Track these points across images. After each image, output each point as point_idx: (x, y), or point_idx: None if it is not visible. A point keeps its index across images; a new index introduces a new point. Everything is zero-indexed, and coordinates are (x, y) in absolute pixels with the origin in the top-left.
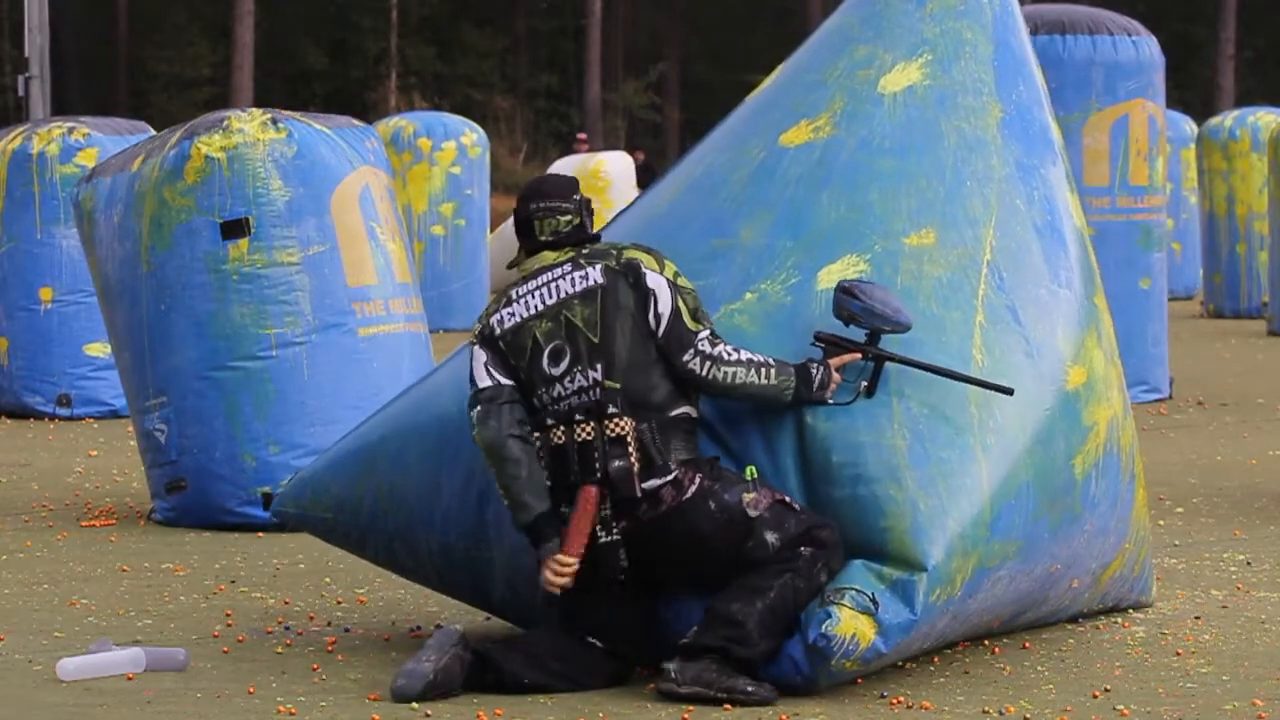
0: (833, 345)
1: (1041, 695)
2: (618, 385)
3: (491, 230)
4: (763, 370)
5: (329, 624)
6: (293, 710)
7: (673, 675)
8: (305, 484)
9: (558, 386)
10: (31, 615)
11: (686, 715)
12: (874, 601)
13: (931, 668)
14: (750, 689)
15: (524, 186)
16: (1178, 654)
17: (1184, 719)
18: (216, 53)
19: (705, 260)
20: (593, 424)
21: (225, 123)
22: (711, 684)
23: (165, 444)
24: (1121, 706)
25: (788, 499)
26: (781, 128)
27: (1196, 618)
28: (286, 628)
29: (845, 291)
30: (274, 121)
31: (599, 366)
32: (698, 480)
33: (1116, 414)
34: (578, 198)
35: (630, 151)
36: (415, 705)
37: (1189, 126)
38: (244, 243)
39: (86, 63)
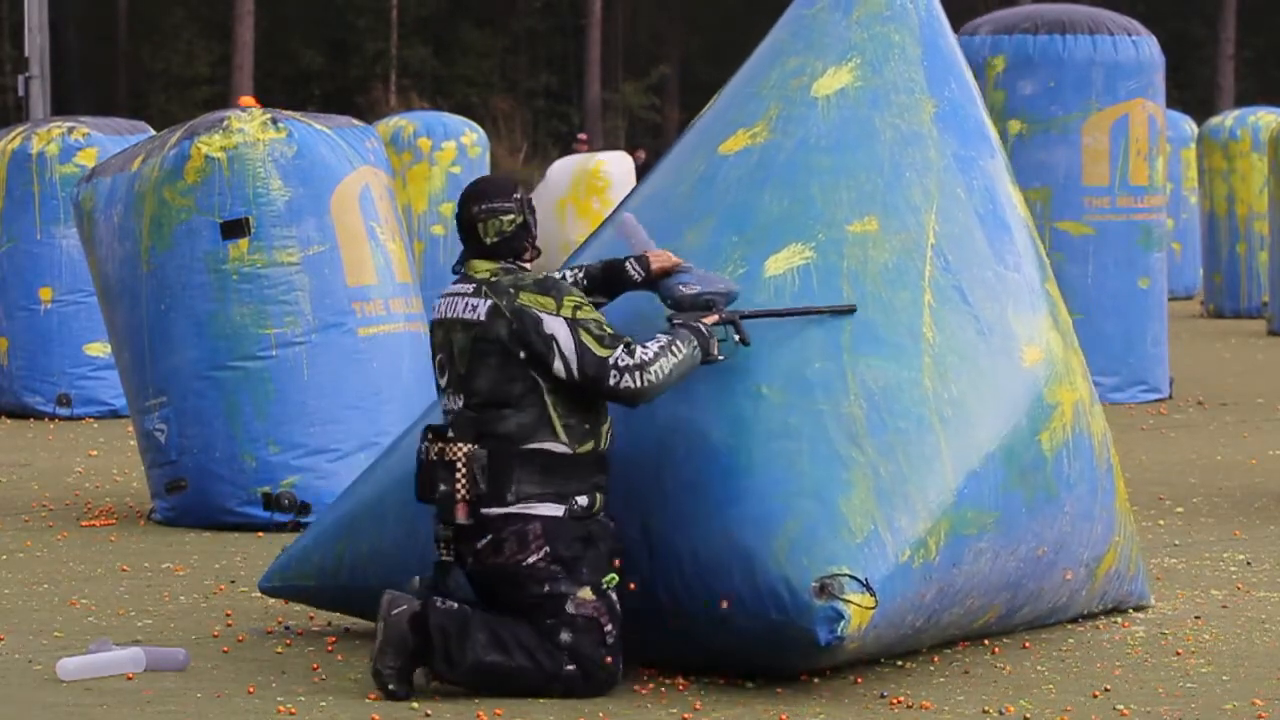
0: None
1: (1041, 695)
2: (471, 414)
3: None
4: (673, 346)
5: (329, 624)
6: (293, 710)
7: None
8: (290, 558)
9: (443, 399)
10: (31, 615)
11: (687, 717)
12: (868, 586)
13: (931, 668)
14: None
15: (465, 189)
16: (1178, 654)
17: (1184, 719)
18: (216, 52)
19: None
20: (440, 445)
21: (225, 123)
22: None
23: (165, 444)
24: (1121, 706)
25: (609, 626)
26: (719, 139)
27: (1196, 618)
28: (286, 628)
29: (668, 275)
30: (274, 121)
31: (462, 396)
32: (543, 552)
33: (1082, 399)
34: (519, 196)
35: (630, 151)
36: (415, 705)
37: (1189, 126)
38: (244, 243)
39: (86, 63)
